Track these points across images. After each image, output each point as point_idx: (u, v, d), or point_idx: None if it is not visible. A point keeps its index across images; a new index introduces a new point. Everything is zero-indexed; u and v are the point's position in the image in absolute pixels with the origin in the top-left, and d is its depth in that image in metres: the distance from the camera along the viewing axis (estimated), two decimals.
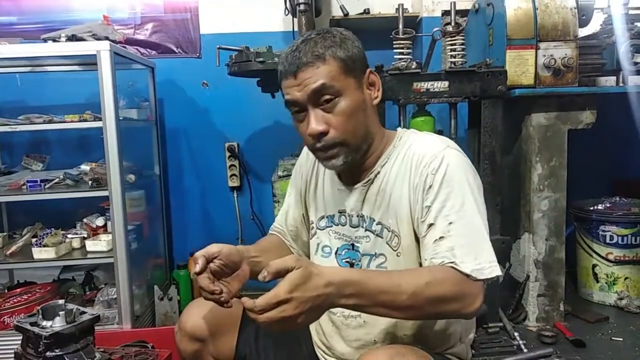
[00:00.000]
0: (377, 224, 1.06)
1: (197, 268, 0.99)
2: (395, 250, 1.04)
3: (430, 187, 0.97)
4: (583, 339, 1.92)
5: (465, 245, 0.91)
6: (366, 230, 1.08)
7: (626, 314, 2.20)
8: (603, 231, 2.26)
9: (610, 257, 2.26)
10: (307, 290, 0.79)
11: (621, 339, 1.97)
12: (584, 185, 2.37)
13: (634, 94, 2.06)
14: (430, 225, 0.95)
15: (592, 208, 2.32)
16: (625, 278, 2.25)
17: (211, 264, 1.01)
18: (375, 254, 1.06)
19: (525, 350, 1.84)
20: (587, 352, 1.87)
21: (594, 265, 2.31)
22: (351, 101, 1.00)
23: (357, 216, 1.10)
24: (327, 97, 0.98)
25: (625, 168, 2.57)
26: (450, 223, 0.93)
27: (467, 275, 0.89)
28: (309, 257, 1.24)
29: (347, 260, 1.11)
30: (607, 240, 2.26)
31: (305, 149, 1.24)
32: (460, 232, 0.93)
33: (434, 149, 1.01)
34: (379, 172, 1.07)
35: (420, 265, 1.01)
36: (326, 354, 1.17)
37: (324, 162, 1.06)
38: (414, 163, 1.02)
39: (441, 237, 0.93)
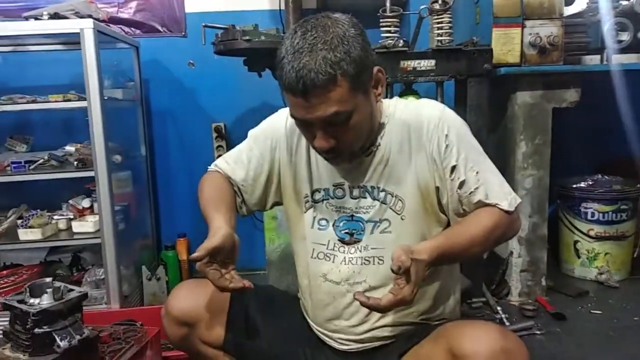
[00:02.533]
0: (381, 192, 1.10)
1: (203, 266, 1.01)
2: (399, 214, 1.09)
3: (446, 146, 1.06)
4: (564, 312, 1.98)
5: (494, 188, 1.07)
6: (374, 199, 1.11)
7: (606, 288, 2.26)
8: (585, 208, 2.31)
9: (592, 233, 2.31)
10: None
11: (600, 312, 2.03)
12: (569, 163, 2.40)
13: (617, 72, 2.07)
14: (463, 181, 1.06)
15: (574, 186, 2.36)
16: (606, 254, 2.31)
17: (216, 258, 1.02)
18: (380, 219, 1.11)
19: (507, 324, 1.89)
20: (567, 324, 1.93)
21: (576, 242, 2.36)
22: (361, 116, 1.00)
23: (358, 187, 1.12)
24: (338, 120, 0.97)
25: (610, 146, 2.60)
26: (477, 173, 1.06)
27: (507, 211, 1.05)
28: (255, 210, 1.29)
29: (347, 231, 1.13)
30: (589, 217, 2.31)
31: (285, 114, 1.19)
32: (487, 178, 1.07)
33: (434, 114, 1.09)
34: (379, 144, 1.10)
35: (457, 215, 1.10)
36: (323, 327, 1.18)
37: (328, 161, 1.10)
38: (418, 130, 1.08)
39: (476, 188, 1.06)
